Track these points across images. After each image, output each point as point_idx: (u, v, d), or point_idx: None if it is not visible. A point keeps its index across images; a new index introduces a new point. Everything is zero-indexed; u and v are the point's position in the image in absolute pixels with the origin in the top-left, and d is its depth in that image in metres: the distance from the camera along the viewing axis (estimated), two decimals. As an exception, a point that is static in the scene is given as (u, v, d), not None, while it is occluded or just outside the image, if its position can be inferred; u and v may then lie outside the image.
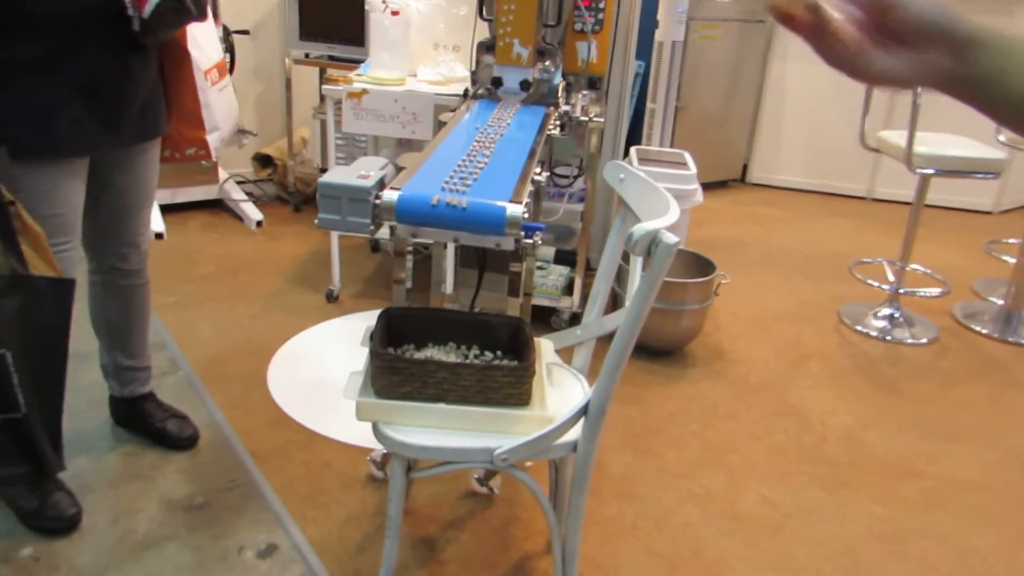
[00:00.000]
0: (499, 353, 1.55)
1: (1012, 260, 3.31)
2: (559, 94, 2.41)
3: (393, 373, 1.37)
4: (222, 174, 3.88)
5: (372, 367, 1.39)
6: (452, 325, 1.56)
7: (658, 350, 2.75)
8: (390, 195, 1.42)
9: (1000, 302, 3.28)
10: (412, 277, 1.69)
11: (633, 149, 3.11)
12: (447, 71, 2.83)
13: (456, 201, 1.44)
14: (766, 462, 2.24)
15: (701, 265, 2.80)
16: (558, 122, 2.31)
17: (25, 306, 1.47)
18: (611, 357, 1.36)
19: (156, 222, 3.45)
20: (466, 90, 2.54)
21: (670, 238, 1.18)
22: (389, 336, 1.52)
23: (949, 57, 0.57)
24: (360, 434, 2.14)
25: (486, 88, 2.42)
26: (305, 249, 3.46)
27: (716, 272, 2.71)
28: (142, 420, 2.09)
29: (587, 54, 2.62)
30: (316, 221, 1.48)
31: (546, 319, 2.85)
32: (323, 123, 3.77)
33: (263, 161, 4.05)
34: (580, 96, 2.51)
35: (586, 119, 2.30)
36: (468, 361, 1.48)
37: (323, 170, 3.88)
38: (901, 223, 3.16)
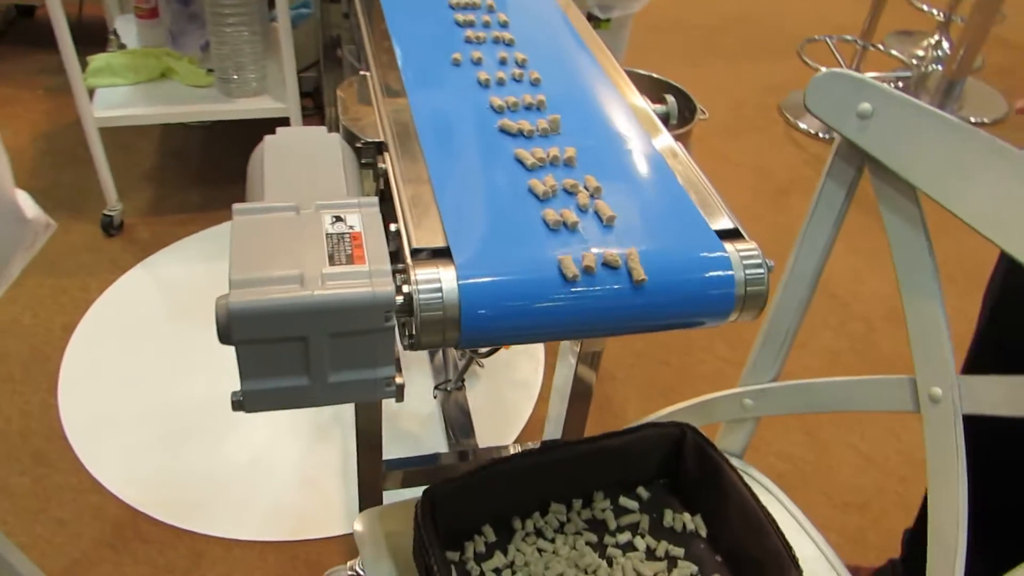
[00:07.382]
0: (640, 492, 0.78)
1: None
2: None
3: None
4: None
5: None
6: (549, 471, 0.74)
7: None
8: (442, 288, 0.54)
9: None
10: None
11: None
12: None
13: (619, 262, 0.57)
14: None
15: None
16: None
17: None
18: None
19: None
20: None
21: None
22: (435, 529, 0.68)
23: None
24: (258, 524, 1.30)
25: None
26: (39, 130, 2.21)
27: (697, 116, 1.78)
28: None
29: None
30: (239, 399, 0.55)
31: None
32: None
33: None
34: None
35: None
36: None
37: None
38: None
